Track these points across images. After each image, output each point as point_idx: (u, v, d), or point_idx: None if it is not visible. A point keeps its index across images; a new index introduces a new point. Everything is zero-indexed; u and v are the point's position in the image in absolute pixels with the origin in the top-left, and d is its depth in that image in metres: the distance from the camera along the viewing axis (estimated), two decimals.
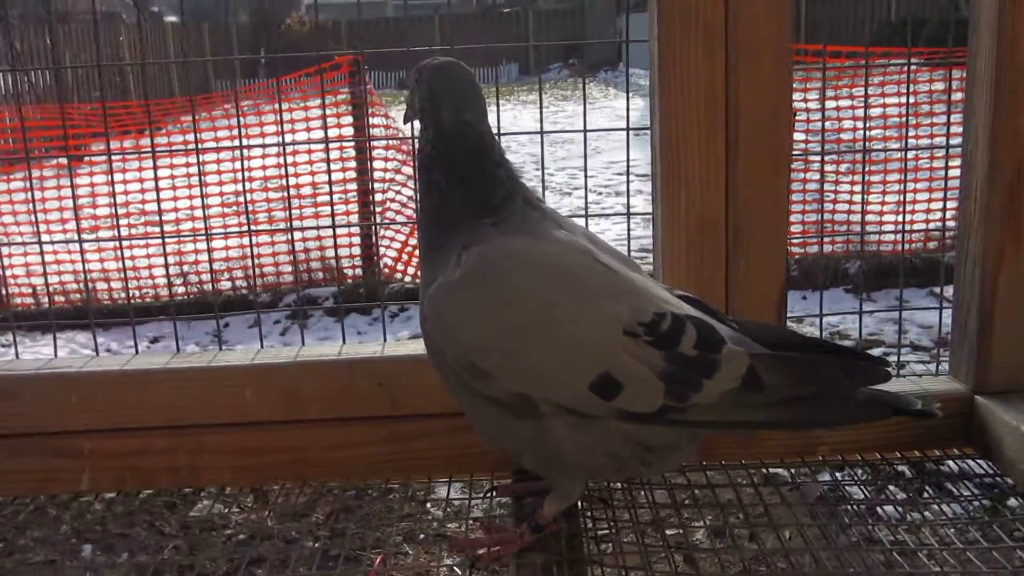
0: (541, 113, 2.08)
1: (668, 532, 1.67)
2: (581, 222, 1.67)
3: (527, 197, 1.53)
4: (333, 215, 2.60)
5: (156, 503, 2.19)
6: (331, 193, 5.37)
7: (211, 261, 6.17)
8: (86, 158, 7.23)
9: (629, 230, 2.10)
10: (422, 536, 2.98)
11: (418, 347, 1.87)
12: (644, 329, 1.39)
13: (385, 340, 1.97)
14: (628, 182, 2.02)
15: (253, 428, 1.84)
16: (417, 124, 1.59)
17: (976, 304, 1.84)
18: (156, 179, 2.53)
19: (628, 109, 2.07)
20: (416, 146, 1.58)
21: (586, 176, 2.06)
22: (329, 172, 4.52)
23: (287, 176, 5.95)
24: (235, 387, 1.84)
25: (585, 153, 2.17)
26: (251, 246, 4.49)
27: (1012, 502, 1.75)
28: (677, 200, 1.78)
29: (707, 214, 1.78)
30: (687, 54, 1.73)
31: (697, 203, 1.78)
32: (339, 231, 6.63)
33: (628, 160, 1.97)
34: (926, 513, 1.74)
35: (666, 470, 1.67)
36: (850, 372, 1.46)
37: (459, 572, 2.65)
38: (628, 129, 2.01)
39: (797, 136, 6.08)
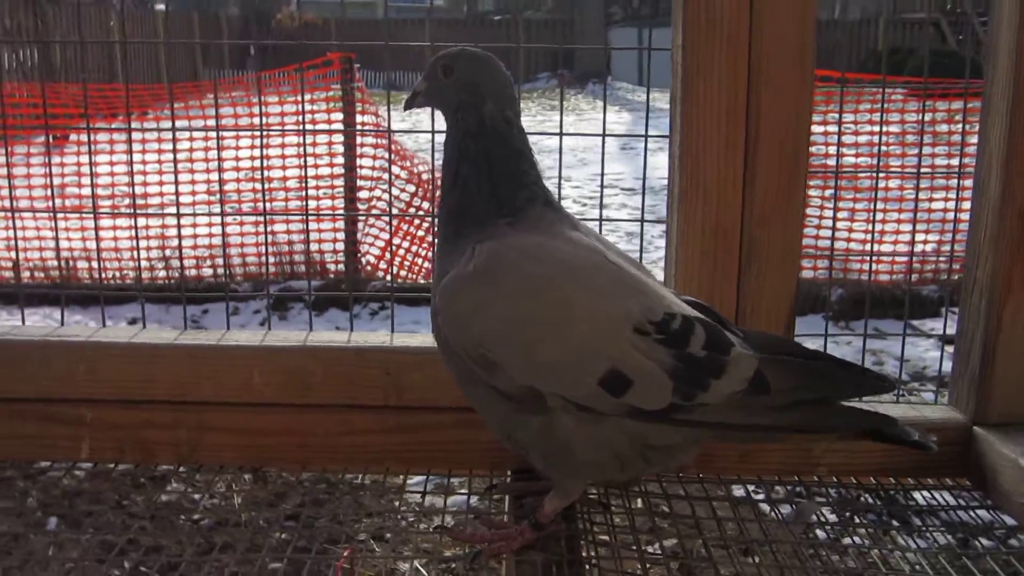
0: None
1: (665, 542, 1.68)
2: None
3: (548, 199, 1.55)
4: (316, 208, 2.59)
5: (124, 482, 2.18)
6: (305, 178, 5.34)
7: (195, 247, 6.17)
8: (73, 137, 7.19)
9: (642, 237, 2.11)
10: (388, 536, 2.99)
11: (426, 340, 1.88)
12: (654, 327, 1.42)
13: (393, 330, 1.97)
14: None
15: (258, 409, 1.85)
16: (416, 112, 1.60)
17: (980, 334, 1.84)
18: (130, 162, 2.50)
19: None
20: (449, 136, 1.57)
21: (602, 181, 2.05)
22: (304, 160, 4.50)
23: (263, 168, 5.92)
24: (243, 367, 1.84)
25: (601, 158, 2.18)
26: (238, 234, 4.45)
27: (1008, 537, 1.77)
28: (693, 209, 1.79)
29: (722, 225, 1.79)
30: (710, 63, 1.75)
31: (713, 214, 1.79)
32: (324, 227, 6.63)
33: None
34: (911, 542, 1.75)
35: (667, 469, 1.68)
36: (855, 382, 1.50)
37: (424, 572, 2.66)
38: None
39: None
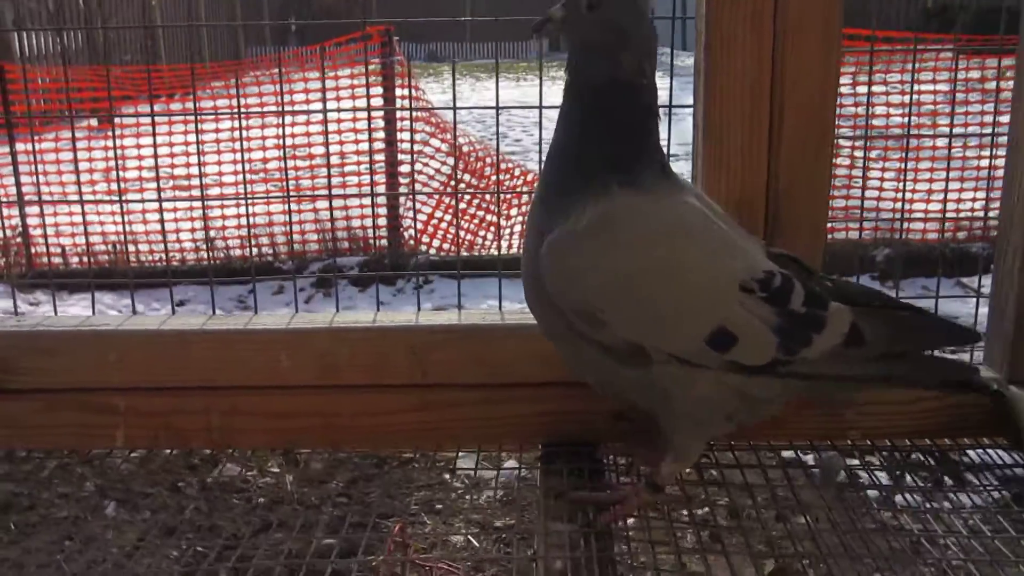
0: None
1: (695, 510, 1.68)
2: None
3: (664, 165, 1.50)
4: (358, 184, 2.59)
5: (179, 464, 2.21)
6: (371, 162, 5.35)
7: (239, 227, 6.21)
8: (116, 120, 7.25)
9: None
10: (440, 508, 3.01)
11: (451, 318, 1.89)
12: (759, 285, 1.43)
13: (419, 309, 1.98)
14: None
15: (286, 392, 1.86)
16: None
17: (1015, 295, 1.83)
18: (198, 142, 2.51)
19: (671, 89, 2.03)
20: (572, 80, 1.48)
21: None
22: (364, 137, 4.51)
23: (328, 143, 5.93)
24: (270, 351, 1.86)
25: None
26: (288, 212, 4.48)
27: None
28: (718, 181, 1.78)
29: (747, 196, 1.77)
30: (734, 33, 1.72)
31: (738, 185, 1.77)
32: (365, 201, 6.64)
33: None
34: (950, 501, 1.74)
35: (762, 419, 1.68)
36: (945, 332, 1.54)
37: (476, 543, 2.68)
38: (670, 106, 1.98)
39: None
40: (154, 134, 2.55)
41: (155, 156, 2.37)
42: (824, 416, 1.87)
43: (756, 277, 1.44)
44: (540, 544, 1.53)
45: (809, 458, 1.99)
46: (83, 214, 2.30)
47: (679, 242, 1.44)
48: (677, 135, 1.95)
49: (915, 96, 5.87)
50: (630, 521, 1.62)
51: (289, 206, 3.10)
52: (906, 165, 5.14)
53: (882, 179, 6.24)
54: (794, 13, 1.71)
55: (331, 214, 5.92)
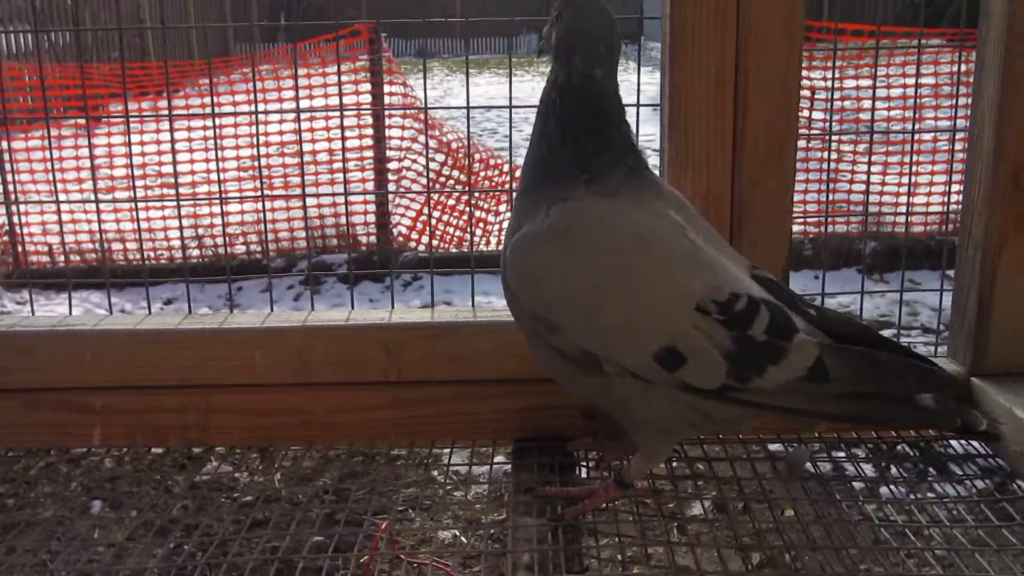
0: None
1: (664, 503, 1.71)
2: None
3: (634, 166, 1.52)
4: (346, 182, 2.62)
5: (165, 463, 2.24)
6: (344, 160, 5.37)
7: (225, 225, 6.22)
8: (103, 119, 7.25)
9: None
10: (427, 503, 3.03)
11: (425, 315, 1.92)
12: (717, 307, 1.41)
13: (393, 307, 2.00)
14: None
15: (262, 390, 1.89)
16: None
17: (976, 287, 1.86)
18: (172, 141, 2.53)
19: (639, 83, 2.06)
20: (548, 81, 1.55)
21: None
22: (342, 134, 4.53)
23: (301, 141, 5.94)
24: (245, 349, 1.88)
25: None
26: (263, 211, 4.50)
27: (1011, 485, 1.78)
28: (684, 176, 1.81)
29: (713, 191, 1.81)
30: (697, 32, 1.75)
31: (703, 180, 1.80)
32: (354, 198, 6.66)
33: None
34: (934, 492, 1.76)
35: (732, 432, 1.72)
36: (916, 375, 1.47)
37: (463, 539, 2.70)
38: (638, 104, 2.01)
39: (816, 115, 6.08)
40: (127, 132, 2.57)
41: (129, 155, 2.38)
42: None
43: (717, 299, 1.42)
44: (509, 538, 1.56)
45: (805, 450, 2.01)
46: (58, 212, 2.30)
47: (635, 257, 1.45)
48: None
49: (902, 91, 5.92)
50: (599, 515, 1.64)
51: (263, 204, 3.11)
52: (887, 159, 5.16)
53: (868, 172, 6.27)
54: (756, 10, 1.74)
55: (305, 212, 5.92)
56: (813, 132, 5.70)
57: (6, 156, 5.69)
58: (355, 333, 1.88)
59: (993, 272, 1.83)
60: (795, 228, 1.97)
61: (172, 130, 2.43)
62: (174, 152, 2.35)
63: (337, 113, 6.59)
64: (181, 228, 3.73)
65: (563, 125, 1.50)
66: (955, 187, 6.05)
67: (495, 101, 13.01)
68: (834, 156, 6.12)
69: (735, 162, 1.79)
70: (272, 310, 2.01)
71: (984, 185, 1.82)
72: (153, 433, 1.90)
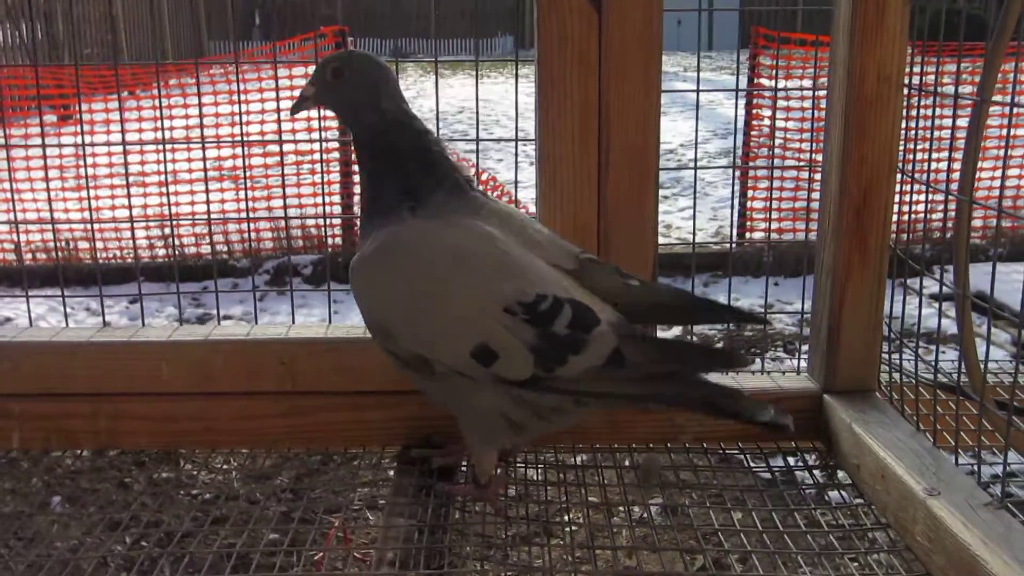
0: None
1: (531, 506, 1.86)
2: None
3: (453, 185, 1.72)
4: (320, 184, 2.75)
5: (126, 460, 2.37)
6: (317, 161, 5.49)
7: (193, 225, 6.32)
8: (74, 117, 7.36)
9: None
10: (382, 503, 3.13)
11: (320, 331, 2.07)
12: (522, 308, 1.60)
13: (293, 322, 2.15)
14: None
15: (168, 398, 2.04)
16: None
17: (827, 313, 2.02)
18: (124, 143, 2.64)
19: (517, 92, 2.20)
20: (353, 135, 1.74)
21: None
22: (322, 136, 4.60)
23: (280, 141, 6.05)
24: (152, 360, 2.03)
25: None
26: (235, 211, 4.59)
27: (834, 494, 1.94)
28: (554, 209, 1.98)
29: (580, 222, 1.97)
30: (563, 78, 1.92)
31: (571, 212, 1.97)
32: (318, 200, 6.76)
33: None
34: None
35: (560, 429, 1.86)
36: (710, 356, 1.72)
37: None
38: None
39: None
40: (80, 132, 2.64)
41: (83, 156, 2.49)
42: (659, 419, 2.05)
43: (523, 300, 1.60)
44: (379, 538, 1.72)
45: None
46: (14, 211, 2.41)
47: (449, 268, 1.64)
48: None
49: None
50: (465, 517, 1.80)
51: (208, 207, 3.21)
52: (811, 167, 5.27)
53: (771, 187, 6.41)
54: (616, 55, 1.90)
55: (250, 213, 6.03)
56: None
57: None
58: (253, 347, 2.04)
59: (841, 300, 1.99)
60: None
61: (124, 132, 2.54)
62: (125, 153, 2.43)
63: (303, 115, 6.73)
64: (136, 228, 3.83)
65: (385, 161, 1.71)
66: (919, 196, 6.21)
67: (468, 103, 13.16)
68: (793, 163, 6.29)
69: (600, 196, 1.96)
70: (218, 314, 2.15)
71: (832, 220, 1.97)
72: (67, 437, 2.05)
